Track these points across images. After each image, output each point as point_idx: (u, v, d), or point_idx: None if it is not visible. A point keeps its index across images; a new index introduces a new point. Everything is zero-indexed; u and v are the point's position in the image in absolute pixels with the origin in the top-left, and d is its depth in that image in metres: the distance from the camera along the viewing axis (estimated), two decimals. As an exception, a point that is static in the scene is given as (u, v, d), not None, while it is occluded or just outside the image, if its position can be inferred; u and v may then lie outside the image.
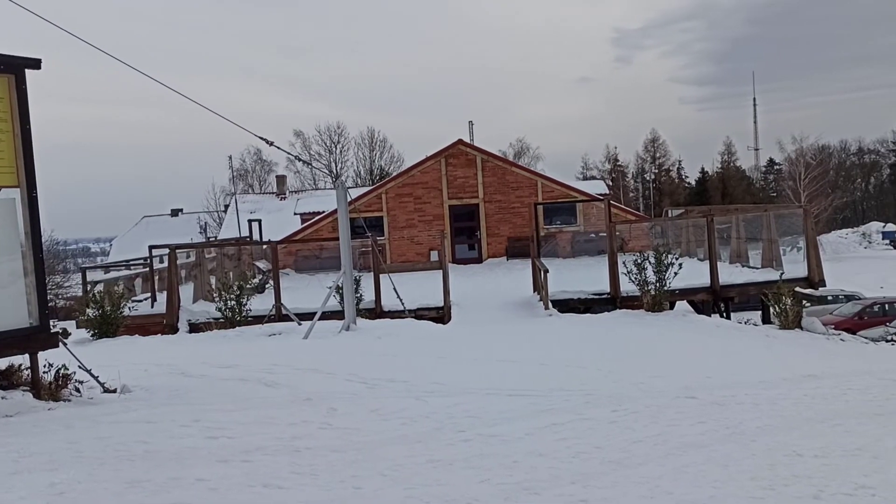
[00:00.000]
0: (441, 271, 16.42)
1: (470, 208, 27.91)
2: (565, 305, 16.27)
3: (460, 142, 28.58)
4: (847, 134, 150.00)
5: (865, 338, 17.82)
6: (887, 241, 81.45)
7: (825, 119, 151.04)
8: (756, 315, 18.97)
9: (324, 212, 30.65)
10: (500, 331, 13.77)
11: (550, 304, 15.88)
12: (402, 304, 15.58)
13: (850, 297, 32.96)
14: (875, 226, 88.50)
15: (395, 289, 15.44)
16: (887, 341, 17.08)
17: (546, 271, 16.39)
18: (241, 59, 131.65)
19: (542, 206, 27.31)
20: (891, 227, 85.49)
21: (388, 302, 15.94)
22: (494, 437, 7.08)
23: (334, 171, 77.05)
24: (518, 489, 5.75)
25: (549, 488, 5.78)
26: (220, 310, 15.27)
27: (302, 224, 33.82)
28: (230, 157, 70.03)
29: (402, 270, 19.34)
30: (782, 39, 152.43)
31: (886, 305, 30.03)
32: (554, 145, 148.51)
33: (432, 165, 27.91)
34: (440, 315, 15.84)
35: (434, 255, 25.70)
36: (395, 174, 35.49)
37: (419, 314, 15.72)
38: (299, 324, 13.95)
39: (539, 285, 17.30)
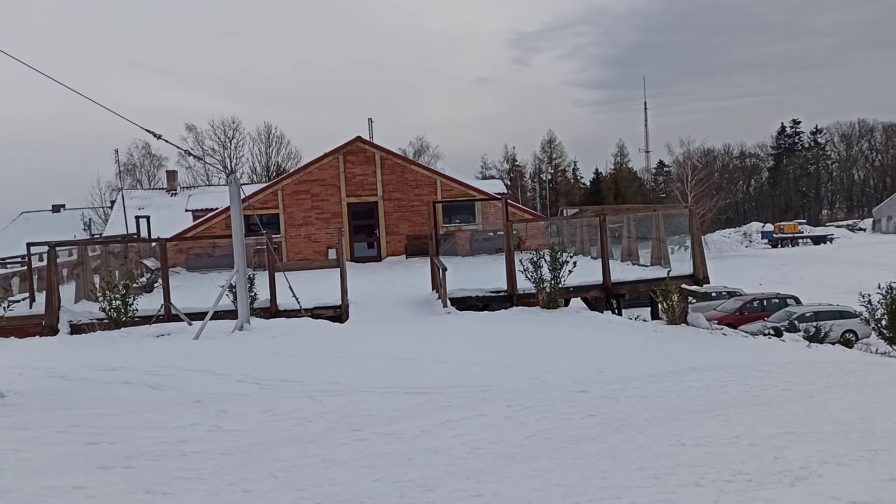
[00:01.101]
0: (339, 269, 16.20)
1: (369, 206, 27.70)
2: (464, 303, 16.36)
3: (359, 139, 28.29)
4: (730, 138, 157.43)
5: (745, 332, 18.72)
6: (766, 241, 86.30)
7: (711, 123, 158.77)
8: (646, 311, 19.64)
9: (217, 208, 29.71)
10: (398, 329, 13.72)
11: (449, 302, 15.93)
12: (298, 302, 15.29)
13: (732, 294, 34.63)
14: (755, 226, 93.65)
15: (290, 287, 15.13)
16: (765, 335, 17.98)
17: (444, 269, 16.45)
18: (129, 50, 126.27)
19: (441, 204, 27.40)
20: (769, 227, 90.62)
21: (284, 301, 15.60)
22: (390, 436, 7.04)
23: (228, 166, 75.10)
24: (412, 486, 5.73)
25: (444, 484, 5.78)
26: (104, 310, 14.57)
27: (194, 221, 32.72)
28: (116, 151, 67.18)
29: (299, 269, 18.98)
30: (671, 46, 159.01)
31: (765, 301, 31.72)
32: (454, 144, 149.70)
33: (330, 162, 27.53)
34: (338, 314, 15.62)
35: (332, 254, 25.39)
36: (292, 171, 34.79)
37: (316, 313, 15.46)
38: (190, 324, 13.49)
39: (438, 283, 17.34)
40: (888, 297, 16.60)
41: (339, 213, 27.34)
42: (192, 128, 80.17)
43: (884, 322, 16.76)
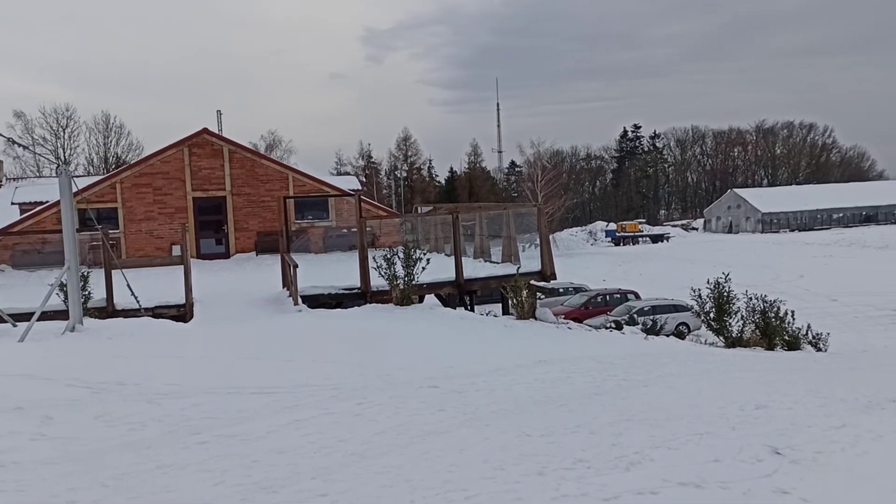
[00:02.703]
0: (183, 267, 15.48)
1: (216, 201, 26.68)
2: (316, 301, 16.09)
3: (205, 131, 27.16)
4: (577, 140, 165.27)
5: (590, 326, 19.56)
6: (609, 239, 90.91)
7: (559, 126, 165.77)
8: (497, 307, 20.08)
9: (48, 202, 27.70)
10: (246, 328, 13.29)
11: (300, 300, 15.62)
12: (138, 301, 14.46)
13: (578, 289, 36.16)
14: (600, 225, 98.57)
15: (128, 285, 14.28)
16: (607, 328, 18.83)
17: (295, 266, 16.10)
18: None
19: (293, 200, 26.87)
20: (613, 226, 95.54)
21: (122, 300, 14.70)
22: (233, 438, 6.76)
23: (62, 157, 70.35)
24: (256, 489, 5.52)
25: (289, 485, 5.61)
26: (-87, 312, 13.18)
27: (21, 215, 30.33)
28: (-67, 139, 61.33)
29: (140, 266, 17.97)
30: (522, 50, 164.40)
31: (608, 296, 33.34)
32: (308, 139, 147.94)
33: (174, 155, 26.28)
34: (181, 313, 14.93)
35: (176, 250, 24.29)
36: (132, 162, 32.96)
37: (157, 312, 14.70)
38: (14, 325, 12.46)
39: (289, 281, 16.97)
40: (715, 291, 17.80)
41: (184, 208, 26.19)
42: (20, 115, 74.53)
43: (712, 315, 17.96)
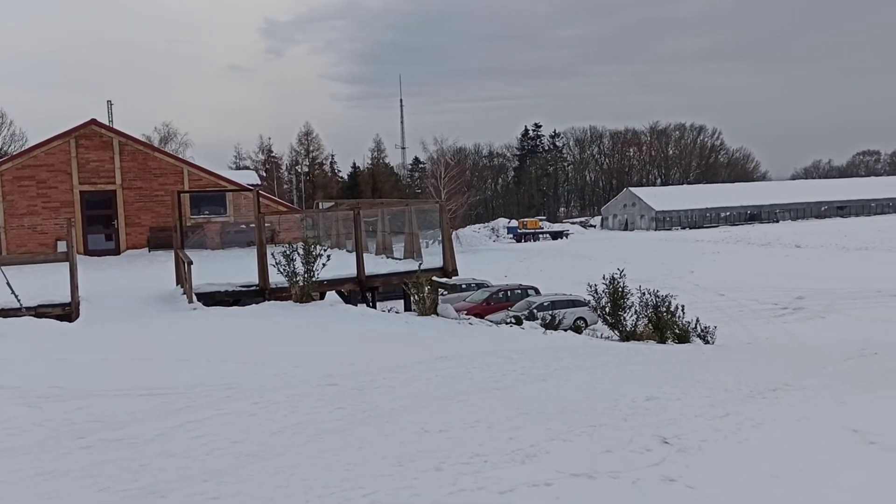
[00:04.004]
0: (68, 264, 14.73)
1: (106, 195, 25.54)
2: (212, 298, 15.64)
3: (94, 122, 25.94)
4: (480, 138, 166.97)
5: (491, 321, 19.79)
6: (511, 236, 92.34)
7: (462, 123, 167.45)
8: (400, 304, 20.06)
9: (-80, 196, 25.91)
10: (137, 327, 12.77)
11: (195, 298, 15.14)
12: (18, 300, 13.68)
13: (480, 285, 36.54)
14: (502, 221, 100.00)
15: (8, 283, 13.49)
16: (507, 324, 19.11)
17: (190, 263, 15.59)
18: None
19: (187, 194, 26.03)
20: (514, 223, 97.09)
21: (2, 299, 13.88)
22: (120, 441, 6.48)
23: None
24: (143, 494, 5.31)
25: (179, 489, 5.42)
26: None
27: None
28: None
29: (21, 263, 16.96)
30: (425, 48, 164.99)
31: (509, 292, 33.83)
32: (205, 133, 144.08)
33: (60, 146, 24.97)
34: (67, 312, 14.20)
35: (61, 246, 23.13)
36: (14, 154, 31.17)
37: (40, 312, 13.93)
38: None
39: (183, 278, 16.42)
40: (611, 287, 18.36)
41: (71, 203, 24.97)
42: None
43: (607, 309, 18.52)
